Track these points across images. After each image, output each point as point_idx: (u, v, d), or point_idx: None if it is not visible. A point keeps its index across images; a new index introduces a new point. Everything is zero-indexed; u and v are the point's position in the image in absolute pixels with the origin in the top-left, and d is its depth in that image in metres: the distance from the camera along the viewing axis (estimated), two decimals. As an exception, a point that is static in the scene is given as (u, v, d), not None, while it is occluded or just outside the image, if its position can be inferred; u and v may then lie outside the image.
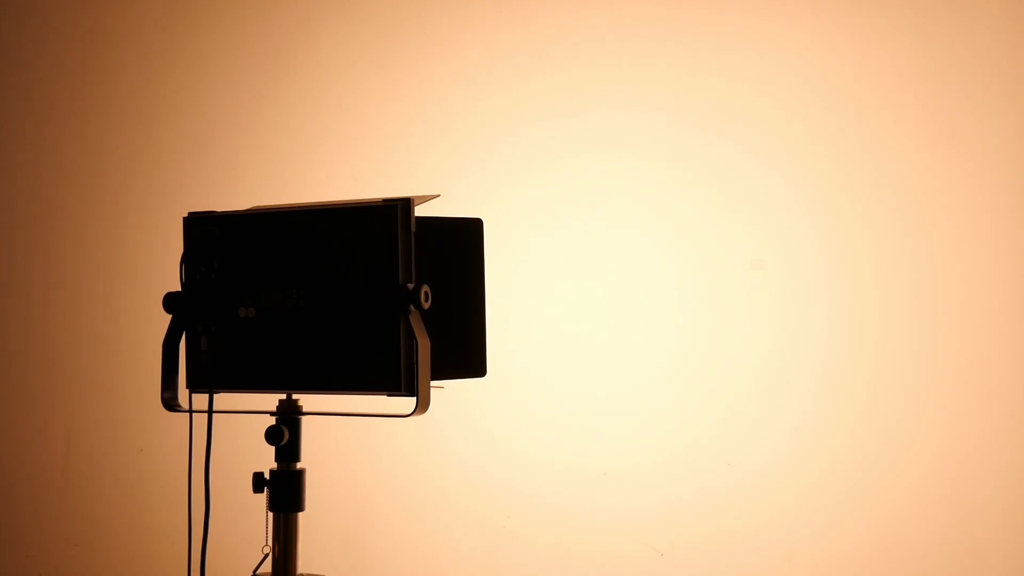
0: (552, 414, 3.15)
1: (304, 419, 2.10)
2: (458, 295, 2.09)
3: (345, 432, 3.13)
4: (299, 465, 2.10)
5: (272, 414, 2.08)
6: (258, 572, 2.12)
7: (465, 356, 2.11)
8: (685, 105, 3.07)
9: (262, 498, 2.09)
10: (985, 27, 2.85)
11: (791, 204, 3.00)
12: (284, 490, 2.08)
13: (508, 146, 3.23)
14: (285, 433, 2.06)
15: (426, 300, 1.93)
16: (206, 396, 2.05)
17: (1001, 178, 2.84)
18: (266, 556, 2.11)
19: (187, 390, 2.09)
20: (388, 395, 1.95)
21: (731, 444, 3.00)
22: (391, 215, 1.95)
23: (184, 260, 2.07)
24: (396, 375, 1.93)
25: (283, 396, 2.09)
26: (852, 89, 2.95)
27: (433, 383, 1.96)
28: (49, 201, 3.66)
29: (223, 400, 2.05)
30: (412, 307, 1.93)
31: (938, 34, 2.89)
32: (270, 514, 2.10)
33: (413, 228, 1.96)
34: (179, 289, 2.07)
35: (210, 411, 2.04)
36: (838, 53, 2.96)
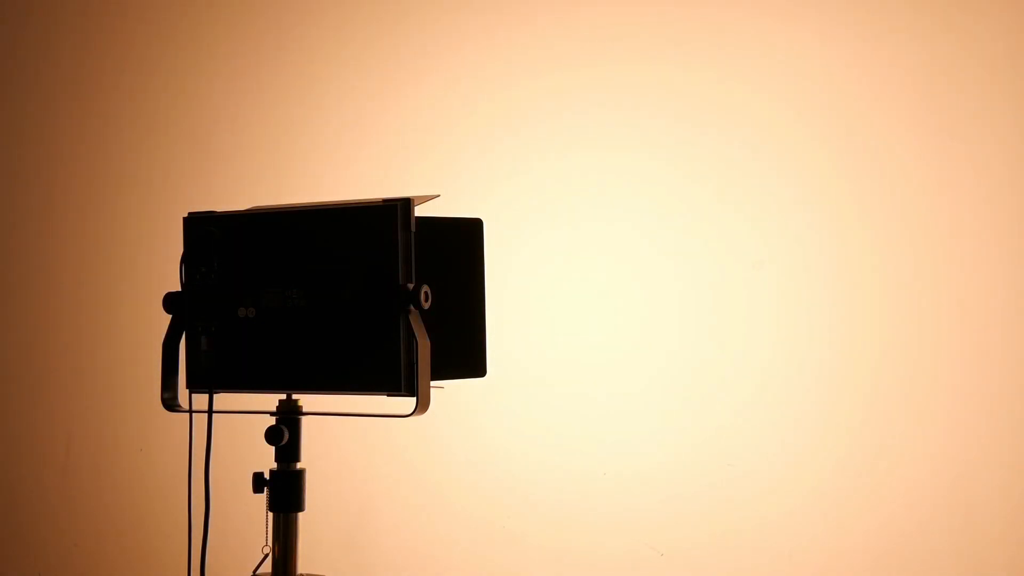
0: (552, 414, 3.15)
1: (304, 419, 2.10)
2: (458, 295, 2.09)
3: (345, 432, 3.13)
4: (299, 465, 2.10)
5: (272, 414, 2.08)
6: (258, 572, 2.12)
7: (465, 356, 2.11)
8: (685, 104, 3.07)
9: (262, 498, 2.09)
10: (986, 27, 2.85)
11: (792, 203, 3.00)
12: (284, 490, 2.08)
13: (508, 146, 3.23)
14: (285, 433, 2.06)
15: (426, 300, 1.93)
16: (206, 396, 2.05)
17: (1003, 177, 2.84)
18: (266, 556, 2.11)
19: (187, 390, 2.09)
20: (388, 395, 1.95)
21: (731, 444, 3.00)
22: (391, 215, 1.95)
23: (184, 260, 2.07)
24: (396, 375, 1.93)
25: (283, 396, 2.09)
26: (853, 87, 2.95)
27: (433, 383, 1.96)
28: (49, 201, 3.66)
29: (223, 400, 2.05)
30: (412, 307, 1.92)
31: (939, 33, 2.89)
32: (270, 514, 2.10)
33: (413, 228, 1.96)
34: (179, 289, 2.08)
35: (210, 411, 2.04)
36: (838, 52, 2.96)
